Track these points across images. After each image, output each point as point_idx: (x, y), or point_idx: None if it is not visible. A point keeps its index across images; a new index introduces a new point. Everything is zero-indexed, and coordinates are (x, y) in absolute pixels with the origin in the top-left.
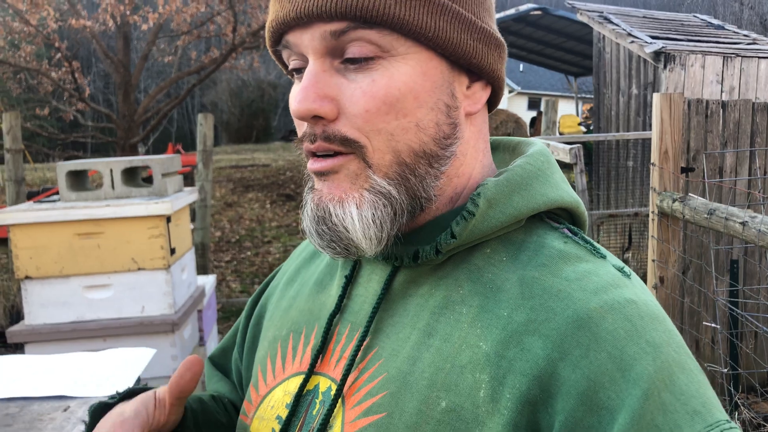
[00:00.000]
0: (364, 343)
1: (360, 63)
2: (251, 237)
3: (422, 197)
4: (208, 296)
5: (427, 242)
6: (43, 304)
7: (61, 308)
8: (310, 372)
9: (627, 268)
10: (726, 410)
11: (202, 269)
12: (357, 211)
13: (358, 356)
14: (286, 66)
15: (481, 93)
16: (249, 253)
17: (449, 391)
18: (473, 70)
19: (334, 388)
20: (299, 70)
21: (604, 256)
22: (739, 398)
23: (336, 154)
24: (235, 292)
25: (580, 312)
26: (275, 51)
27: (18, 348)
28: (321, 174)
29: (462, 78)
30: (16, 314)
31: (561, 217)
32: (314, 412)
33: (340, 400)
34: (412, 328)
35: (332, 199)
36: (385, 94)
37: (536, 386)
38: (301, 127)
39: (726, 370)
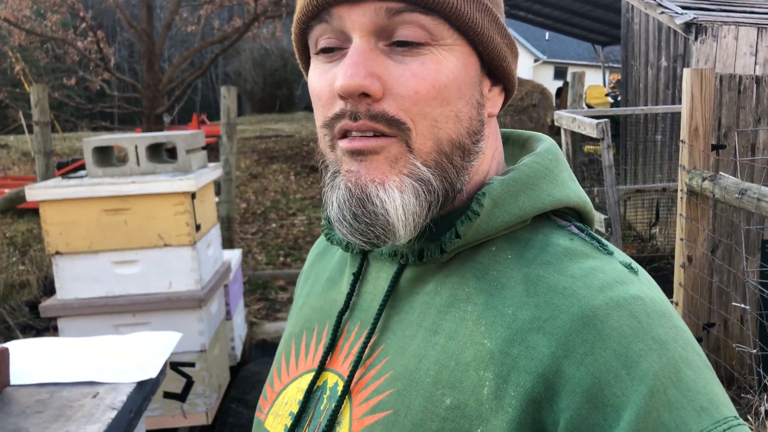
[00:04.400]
0: (372, 340)
1: (410, 47)
2: (276, 209)
3: (455, 189)
4: (234, 271)
5: (438, 237)
6: (73, 279)
7: (91, 283)
8: (320, 368)
9: (635, 264)
10: (755, 391)
11: (228, 242)
12: (400, 195)
13: (365, 353)
14: (303, 45)
15: (498, 98)
16: (274, 225)
17: (454, 389)
18: (497, 73)
19: (341, 384)
20: (329, 50)
21: (611, 253)
22: None
23: (375, 136)
24: (261, 265)
25: (585, 309)
26: (302, 27)
27: (50, 321)
28: (359, 153)
29: (486, 80)
30: (49, 285)
31: (568, 215)
32: (322, 408)
33: (347, 397)
34: (419, 326)
35: (372, 181)
36: (434, 78)
37: (541, 384)
38: (331, 107)
39: (755, 350)
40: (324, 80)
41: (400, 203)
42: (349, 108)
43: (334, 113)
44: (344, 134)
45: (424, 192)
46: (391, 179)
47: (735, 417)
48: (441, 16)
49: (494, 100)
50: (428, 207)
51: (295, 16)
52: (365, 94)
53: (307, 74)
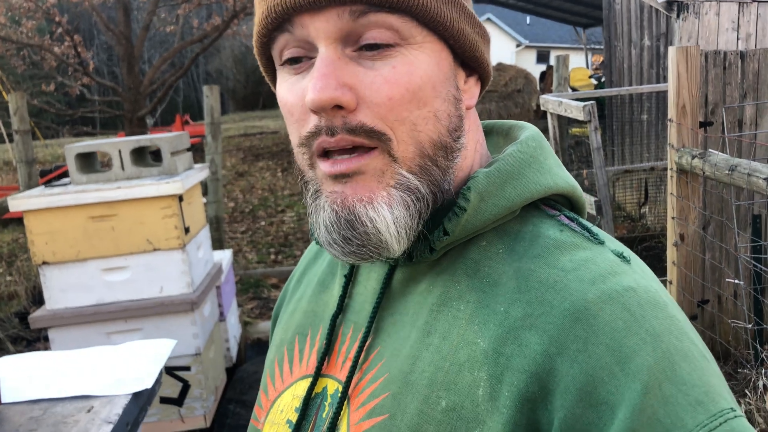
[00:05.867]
0: (367, 343)
1: (379, 50)
2: (264, 206)
3: (443, 190)
4: (226, 272)
5: (427, 236)
6: (62, 289)
7: (80, 291)
8: (317, 374)
9: (627, 252)
10: (752, 365)
11: (218, 243)
12: (389, 211)
13: (361, 357)
14: (267, 59)
15: (474, 88)
16: (263, 222)
17: (449, 390)
18: (471, 63)
19: (341, 389)
20: (296, 60)
21: (602, 242)
22: (765, 354)
23: (354, 149)
24: (252, 263)
25: (577, 304)
26: (264, 40)
27: (41, 331)
28: (344, 176)
29: (460, 72)
30: (38, 295)
31: (558, 203)
32: (324, 415)
33: (345, 402)
34: (412, 326)
35: (360, 200)
36: (407, 82)
37: (534, 383)
38: (305, 124)
39: (750, 325)
40: (293, 94)
41: (391, 219)
42: (324, 123)
43: (308, 131)
44: (323, 152)
45: (413, 201)
46: (379, 195)
47: (732, 409)
48: (408, 15)
49: (471, 91)
50: (419, 215)
51: (255, 29)
52: (338, 106)
53: (274, 87)
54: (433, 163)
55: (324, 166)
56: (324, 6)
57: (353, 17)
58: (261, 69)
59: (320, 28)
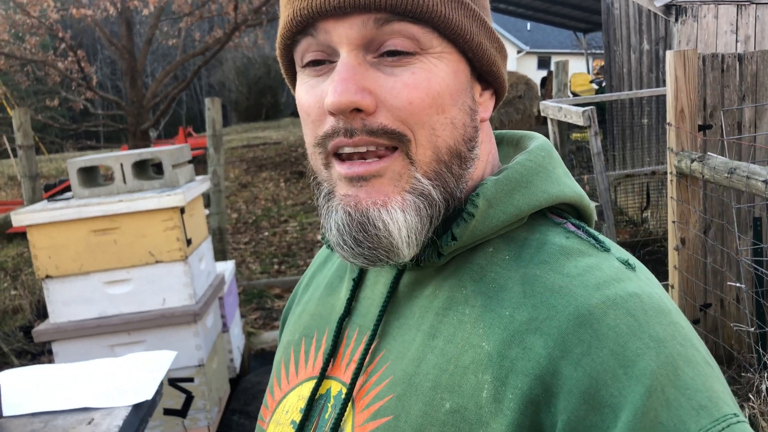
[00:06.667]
0: (372, 346)
1: (400, 57)
2: (268, 217)
3: (455, 198)
4: (228, 283)
5: (435, 241)
6: (65, 302)
7: (83, 305)
8: (322, 376)
9: (632, 260)
10: (755, 369)
11: (221, 254)
12: (402, 215)
13: (366, 359)
14: (289, 60)
15: (489, 101)
16: (267, 233)
17: (453, 393)
18: (488, 77)
19: (345, 392)
20: (317, 63)
21: (608, 249)
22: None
23: (374, 153)
24: (255, 274)
25: (581, 309)
26: (287, 43)
27: (45, 345)
28: (361, 179)
29: (476, 85)
30: (43, 308)
31: (565, 211)
32: (326, 416)
33: (350, 404)
34: (417, 329)
35: (374, 204)
36: (427, 87)
37: (538, 385)
38: (322, 125)
39: (753, 329)
40: (312, 96)
41: (403, 224)
42: (343, 125)
43: (324, 132)
44: (338, 152)
45: (425, 207)
46: (394, 199)
47: (735, 414)
48: (430, 25)
49: (486, 104)
50: (429, 222)
51: (280, 31)
52: (357, 110)
53: (293, 88)
54: (448, 169)
55: (341, 168)
56: (349, 12)
57: (377, 25)
58: (282, 71)
59: (343, 34)
